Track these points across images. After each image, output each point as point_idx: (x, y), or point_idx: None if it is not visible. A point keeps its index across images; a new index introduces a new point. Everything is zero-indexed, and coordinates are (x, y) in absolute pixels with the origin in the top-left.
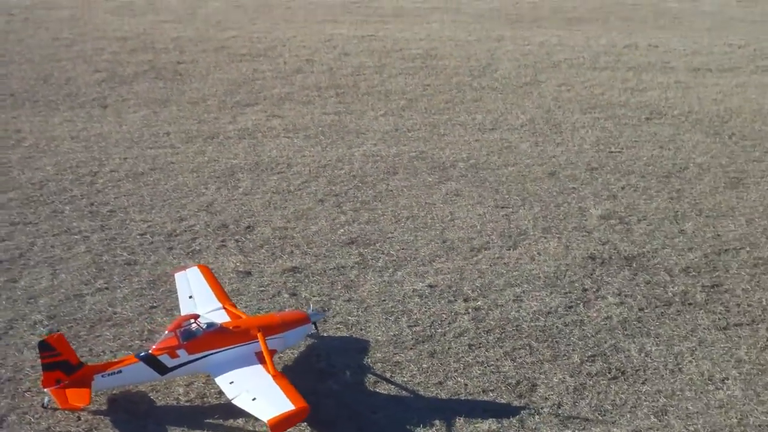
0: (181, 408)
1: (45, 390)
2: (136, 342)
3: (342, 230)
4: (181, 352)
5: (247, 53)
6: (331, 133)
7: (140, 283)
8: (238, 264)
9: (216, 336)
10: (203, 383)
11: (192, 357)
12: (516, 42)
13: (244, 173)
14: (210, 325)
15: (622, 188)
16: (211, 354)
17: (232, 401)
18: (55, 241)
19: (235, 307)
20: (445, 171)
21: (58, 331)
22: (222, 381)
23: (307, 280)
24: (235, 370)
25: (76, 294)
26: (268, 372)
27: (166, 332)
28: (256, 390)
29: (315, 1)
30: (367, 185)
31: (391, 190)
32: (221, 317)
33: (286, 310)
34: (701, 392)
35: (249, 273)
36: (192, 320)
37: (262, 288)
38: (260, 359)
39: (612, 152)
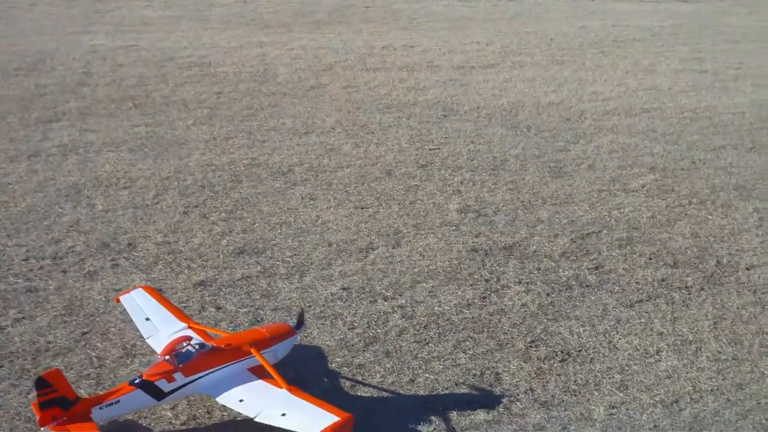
0: None
1: (41, 429)
2: (92, 370)
3: (225, 241)
4: (177, 375)
5: (18, 67)
6: (153, 144)
7: (56, 310)
8: (145, 282)
9: (210, 356)
10: (187, 405)
11: (188, 379)
12: (278, 47)
13: (91, 190)
14: (202, 345)
15: (461, 183)
16: (207, 374)
17: (256, 419)
18: None
19: (197, 324)
20: (287, 176)
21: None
22: (228, 400)
23: (222, 293)
24: (237, 387)
25: None
26: (280, 386)
27: (160, 357)
28: (280, 405)
29: (56, 12)
30: (221, 195)
31: (247, 198)
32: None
33: (270, 322)
34: (646, 365)
35: (160, 290)
36: (185, 342)
37: (183, 304)
38: (257, 374)
39: (432, 149)
